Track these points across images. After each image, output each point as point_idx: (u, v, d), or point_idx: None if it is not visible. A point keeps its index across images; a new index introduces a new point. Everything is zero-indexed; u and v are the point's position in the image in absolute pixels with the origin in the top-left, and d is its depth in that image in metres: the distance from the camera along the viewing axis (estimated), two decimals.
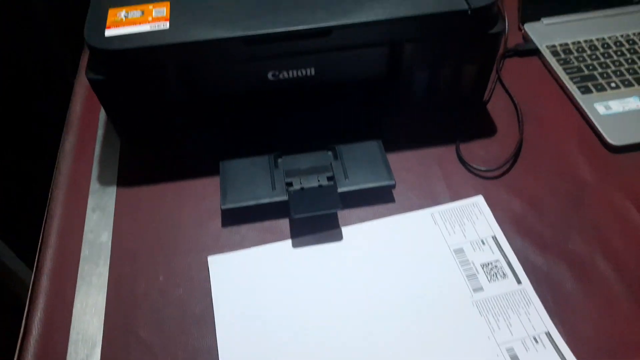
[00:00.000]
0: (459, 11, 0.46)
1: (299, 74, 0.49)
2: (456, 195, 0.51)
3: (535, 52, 0.65)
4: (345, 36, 0.46)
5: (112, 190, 0.53)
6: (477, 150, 0.55)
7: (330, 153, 0.53)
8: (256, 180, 0.50)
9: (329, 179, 0.50)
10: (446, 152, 0.55)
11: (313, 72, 0.49)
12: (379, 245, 0.47)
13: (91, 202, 0.52)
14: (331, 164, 0.52)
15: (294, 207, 0.47)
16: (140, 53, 0.44)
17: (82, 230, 0.49)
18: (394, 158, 0.54)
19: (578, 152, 0.54)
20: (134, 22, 0.46)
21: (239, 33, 0.44)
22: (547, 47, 0.64)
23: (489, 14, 0.48)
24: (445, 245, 0.46)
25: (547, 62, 0.63)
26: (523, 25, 0.68)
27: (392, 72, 0.51)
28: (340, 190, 0.49)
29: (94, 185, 0.53)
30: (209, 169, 0.53)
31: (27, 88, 0.86)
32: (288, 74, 0.48)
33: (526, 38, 0.67)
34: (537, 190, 0.51)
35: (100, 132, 0.58)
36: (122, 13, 0.47)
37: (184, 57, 0.45)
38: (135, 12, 0.47)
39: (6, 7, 0.69)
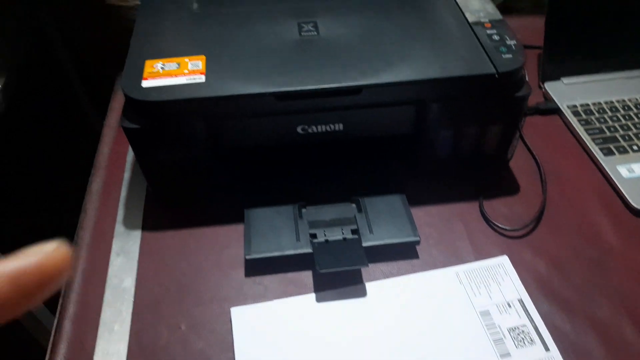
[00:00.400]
0: (486, 75, 0.47)
1: (328, 128, 0.50)
2: (480, 253, 0.51)
3: (556, 111, 0.66)
4: (375, 95, 0.47)
5: (137, 234, 0.53)
6: (501, 208, 0.55)
7: (354, 205, 0.53)
8: (280, 230, 0.51)
9: (354, 232, 0.50)
10: (469, 209, 0.55)
11: (341, 128, 0.50)
12: (403, 303, 0.46)
13: (115, 245, 0.52)
14: (355, 216, 0.52)
15: (319, 260, 0.47)
16: (176, 105, 0.45)
17: (106, 274, 0.50)
18: (417, 213, 0.54)
19: (601, 214, 0.54)
20: (170, 74, 0.47)
21: (272, 89, 0.46)
22: (568, 106, 0.65)
23: (515, 78, 0.49)
24: (471, 306, 0.45)
25: (569, 121, 0.64)
26: (543, 83, 0.69)
27: (417, 129, 0.52)
28: (365, 244, 0.49)
29: (119, 228, 0.54)
30: (233, 217, 0.53)
31: (52, 130, 0.89)
32: (317, 128, 0.50)
33: (547, 97, 0.68)
34: (561, 252, 0.51)
35: (126, 175, 0.59)
36: (158, 65, 0.48)
37: (218, 110, 0.47)
38: (171, 64, 0.48)
39: (32, 53, 0.72)
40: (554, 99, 0.67)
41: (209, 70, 0.47)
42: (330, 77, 0.47)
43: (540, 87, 0.69)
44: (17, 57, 0.66)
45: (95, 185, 0.58)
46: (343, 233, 0.50)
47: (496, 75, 0.47)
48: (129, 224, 0.54)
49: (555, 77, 0.69)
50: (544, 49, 0.68)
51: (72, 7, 0.79)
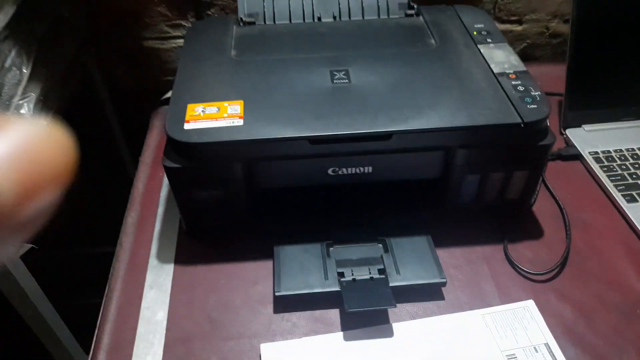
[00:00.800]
0: (512, 124, 0.49)
1: (357, 171, 0.52)
2: (505, 296, 0.52)
3: (578, 157, 0.68)
4: (404, 140, 0.49)
5: (170, 268, 0.55)
6: (525, 252, 0.56)
7: (380, 246, 0.55)
8: (309, 268, 0.52)
9: (380, 271, 0.51)
10: (494, 252, 0.56)
11: (370, 170, 0.52)
12: (430, 344, 0.47)
13: (149, 278, 0.54)
14: (382, 256, 0.53)
15: (347, 300, 0.48)
16: (216, 147, 0.48)
17: (139, 307, 0.51)
18: (442, 254, 0.55)
19: (626, 261, 0.55)
20: (210, 117, 0.50)
21: (306, 133, 0.48)
22: (589, 153, 0.67)
23: (540, 128, 0.51)
24: (497, 349, 0.46)
25: (591, 167, 0.65)
26: (565, 130, 0.71)
27: (444, 174, 0.53)
28: (392, 284, 0.50)
29: (153, 261, 0.56)
30: (262, 254, 0.55)
31: (89, 165, 0.92)
32: (347, 170, 0.52)
33: (568, 143, 0.70)
34: (587, 299, 0.51)
35: (160, 210, 0.62)
36: (199, 108, 0.51)
37: (255, 152, 0.49)
38: (212, 108, 0.51)
39: (77, 94, 0.76)
40: (576, 145, 0.68)
41: (246, 114, 0.50)
42: (361, 122, 0.49)
43: (561, 134, 0.71)
44: (64, 99, 0.70)
45: (131, 219, 0.61)
46: (370, 272, 0.51)
47: (522, 125, 0.49)
48: (162, 258, 0.56)
49: (577, 124, 0.71)
50: (565, 97, 0.70)
51: (114, 48, 0.84)
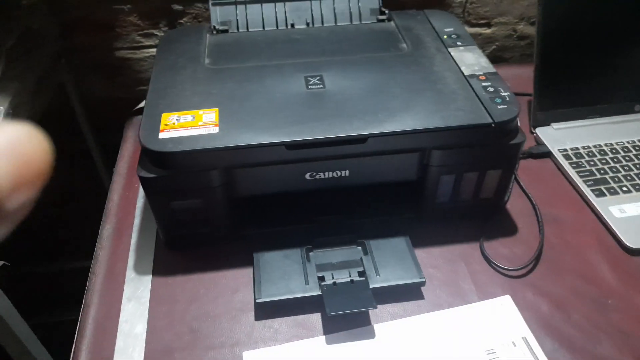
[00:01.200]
0: (484, 124, 0.50)
1: (334, 175, 0.52)
2: (483, 293, 0.53)
3: (548, 154, 0.69)
4: (379, 143, 0.50)
5: (148, 280, 0.54)
6: (501, 249, 0.57)
7: (360, 248, 0.55)
8: (289, 273, 0.52)
9: (360, 274, 0.52)
10: (471, 250, 0.57)
11: (347, 174, 0.52)
12: (411, 343, 0.47)
13: (127, 291, 0.53)
14: (362, 259, 0.54)
15: (328, 303, 0.48)
16: (192, 155, 0.48)
17: (118, 321, 0.50)
18: (420, 254, 0.56)
19: (598, 254, 0.57)
20: (185, 126, 0.50)
21: (281, 139, 0.48)
22: (559, 150, 0.69)
23: (510, 127, 0.52)
24: (477, 345, 0.47)
25: (560, 164, 0.67)
26: (535, 129, 0.73)
27: (420, 175, 0.54)
28: (372, 286, 0.50)
29: (130, 273, 0.55)
30: (241, 261, 0.55)
31: (63, 177, 0.91)
32: (324, 175, 0.52)
33: (538, 141, 0.72)
34: (562, 292, 0.53)
35: (136, 221, 0.61)
36: (174, 117, 0.51)
37: (231, 160, 0.49)
38: (186, 116, 0.51)
39: (50, 105, 0.75)
40: (545, 143, 0.70)
41: (222, 122, 0.50)
42: (336, 127, 0.50)
43: (531, 132, 0.73)
44: (36, 111, 0.69)
45: (106, 231, 0.60)
46: (350, 275, 0.52)
47: (493, 125, 0.50)
48: (140, 270, 0.55)
49: (546, 123, 0.73)
50: (534, 97, 0.73)
51: (87, 59, 0.83)
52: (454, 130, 0.50)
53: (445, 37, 0.63)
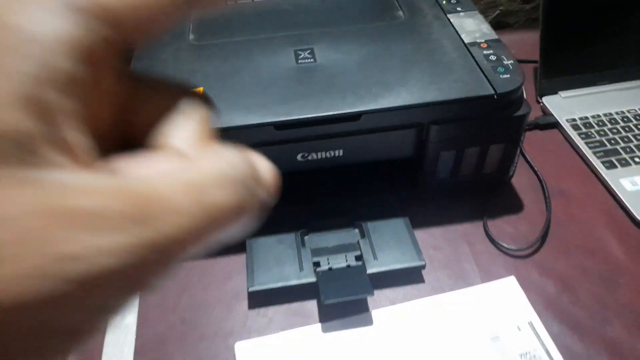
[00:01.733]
0: (484, 96, 0.47)
1: (328, 155, 0.49)
2: (487, 275, 0.50)
3: (556, 125, 0.66)
4: (374, 120, 0.47)
5: None
6: (505, 227, 0.55)
7: (357, 231, 0.53)
8: (283, 259, 0.50)
9: (357, 258, 0.50)
10: (473, 230, 0.54)
11: (341, 153, 0.49)
12: (411, 329, 0.45)
13: None
14: (359, 242, 0.51)
15: (324, 291, 0.46)
16: None
17: None
18: (421, 235, 0.53)
19: (607, 230, 0.54)
20: None
21: (270, 119, 0.45)
22: (567, 120, 0.65)
23: (514, 98, 0.49)
24: (481, 330, 0.45)
25: (569, 135, 0.64)
26: (541, 98, 0.69)
27: (418, 152, 0.51)
28: (369, 271, 0.48)
29: None
30: (234, 247, 0.53)
31: None
32: (317, 155, 0.49)
33: (545, 111, 0.68)
34: (569, 271, 0.50)
35: None
36: None
37: None
38: None
39: None
40: (553, 113, 0.67)
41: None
42: (328, 104, 0.46)
43: (538, 102, 0.69)
44: None
45: None
46: (347, 260, 0.50)
47: (495, 96, 0.47)
48: None
49: (553, 91, 0.69)
50: (540, 64, 0.69)
51: None
52: (452, 103, 0.47)
53: (444, 2, 0.59)
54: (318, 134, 0.48)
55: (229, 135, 0.46)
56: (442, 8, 0.58)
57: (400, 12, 0.59)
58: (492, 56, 0.51)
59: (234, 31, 0.57)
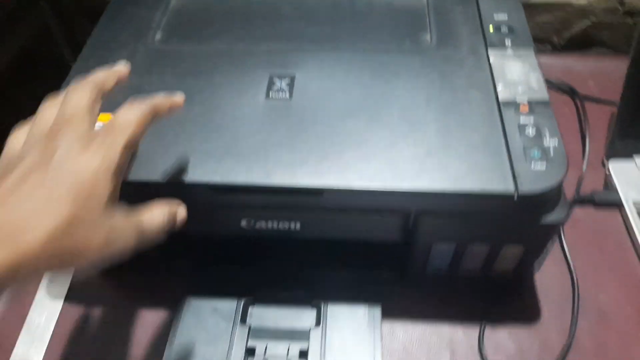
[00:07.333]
0: (498, 195, 0.33)
1: (280, 227, 0.38)
2: None
3: (617, 205, 0.50)
4: (340, 200, 0.35)
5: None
6: (507, 343, 0.42)
7: (313, 312, 0.42)
8: (212, 338, 0.41)
9: (302, 355, 0.40)
10: (464, 338, 0.42)
11: (298, 227, 0.38)
12: None
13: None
14: (310, 330, 0.41)
15: None
16: None
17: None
18: (393, 329, 0.42)
19: None
20: None
21: (205, 178, 0.35)
22: (634, 203, 0.49)
23: (544, 201, 0.35)
24: None
25: (631, 225, 0.48)
26: (608, 160, 0.52)
27: (404, 239, 0.39)
28: None
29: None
30: (168, 301, 0.44)
31: None
32: (266, 224, 0.38)
33: (608, 182, 0.52)
34: None
35: None
36: None
37: (140, 196, 0.36)
38: (98, 122, 0.39)
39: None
40: (617, 187, 0.50)
41: None
42: (283, 169, 0.35)
43: (603, 165, 0.53)
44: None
45: None
46: (288, 354, 0.40)
47: (515, 197, 0.33)
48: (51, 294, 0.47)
49: (627, 153, 0.52)
50: (619, 111, 0.51)
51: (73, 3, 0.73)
52: (451, 197, 0.34)
53: (491, 29, 0.44)
54: (267, 204, 0.37)
55: (151, 190, 0.36)
56: (484, 37, 0.43)
57: (428, 36, 0.44)
58: (530, 129, 0.36)
59: (209, 35, 0.46)
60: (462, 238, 0.38)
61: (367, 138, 0.36)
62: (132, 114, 0.28)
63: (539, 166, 0.34)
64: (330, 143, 0.36)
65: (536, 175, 0.34)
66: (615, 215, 0.50)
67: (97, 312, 0.45)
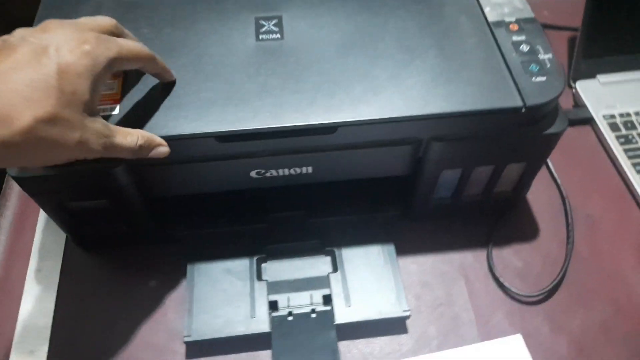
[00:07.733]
0: (508, 109, 0.34)
1: (292, 172, 0.37)
2: (486, 327, 0.40)
3: (589, 121, 0.53)
4: (354, 135, 0.35)
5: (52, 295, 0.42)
6: (513, 261, 0.44)
7: (328, 259, 0.42)
8: (231, 297, 0.40)
9: (326, 300, 0.39)
10: (474, 261, 0.44)
11: (310, 171, 0.37)
12: None
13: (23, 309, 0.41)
14: (329, 275, 0.41)
15: (277, 351, 0.36)
16: None
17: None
18: (408, 266, 0.43)
19: None
20: None
21: (210, 128, 0.33)
22: (603, 116, 0.52)
23: (547, 111, 0.36)
24: None
25: (604, 138, 0.51)
26: (574, 83, 0.55)
27: (412, 170, 0.39)
28: (338, 321, 0.38)
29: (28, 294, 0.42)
30: (173, 270, 0.42)
31: None
32: (277, 172, 0.37)
33: (577, 101, 0.55)
34: (589, 329, 0.40)
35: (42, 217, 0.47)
36: None
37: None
38: None
39: None
40: (587, 104, 0.53)
41: (126, 97, 0.34)
42: (292, 110, 0.34)
43: (570, 86, 0.56)
44: None
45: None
46: (312, 301, 0.39)
47: (523, 109, 0.34)
48: (43, 278, 0.43)
49: (591, 74, 0.55)
50: (581, 35, 0.54)
51: None
52: (462, 118, 0.34)
53: None
54: (277, 150, 0.35)
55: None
56: None
57: None
58: (523, 45, 0.37)
59: None
60: (469, 162, 0.39)
61: (369, 71, 0.36)
62: (133, 42, 0.31)
63: (540, 78, 0.35)
64: (334, 80, 0.35)
65: (539, 87, 0.35)
66: (587, 130, 0.53)
67: (96, 301, 0.42)
